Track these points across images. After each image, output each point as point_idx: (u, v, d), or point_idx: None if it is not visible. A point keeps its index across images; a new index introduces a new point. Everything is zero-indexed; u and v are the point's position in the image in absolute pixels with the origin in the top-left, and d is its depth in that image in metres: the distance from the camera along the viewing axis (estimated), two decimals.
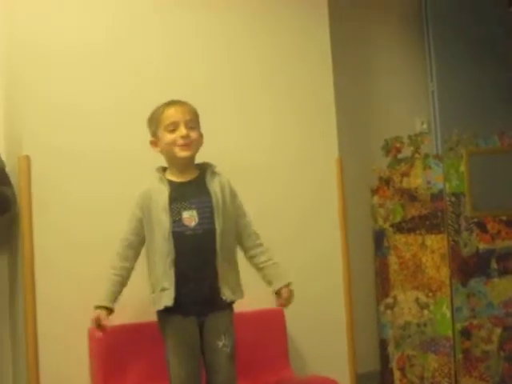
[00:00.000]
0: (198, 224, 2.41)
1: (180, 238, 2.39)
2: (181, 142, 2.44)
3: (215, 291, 2.42)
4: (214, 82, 3.21)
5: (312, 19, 3.54)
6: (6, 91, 2.77)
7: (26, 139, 2.78)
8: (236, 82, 3.30)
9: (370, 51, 4.20)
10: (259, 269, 2.58)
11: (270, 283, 2.56)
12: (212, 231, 2.41)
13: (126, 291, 2.88)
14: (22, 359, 2.66)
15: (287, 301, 2.56)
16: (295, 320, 3.21)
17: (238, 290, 2.51)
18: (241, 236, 2.57)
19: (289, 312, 3.17)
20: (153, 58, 3.10)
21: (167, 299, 2.38)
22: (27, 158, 2.74)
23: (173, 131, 2.45)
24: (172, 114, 2.47)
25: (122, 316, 2.85)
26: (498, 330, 3.66)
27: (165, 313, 2.42)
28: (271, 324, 3.14)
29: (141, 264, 2.85)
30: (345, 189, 3.53)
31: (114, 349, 2.77)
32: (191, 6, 3.22)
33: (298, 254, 3.34)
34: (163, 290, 2.40)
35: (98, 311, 2.44)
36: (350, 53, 4.02)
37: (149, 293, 2.49)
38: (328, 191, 3.47)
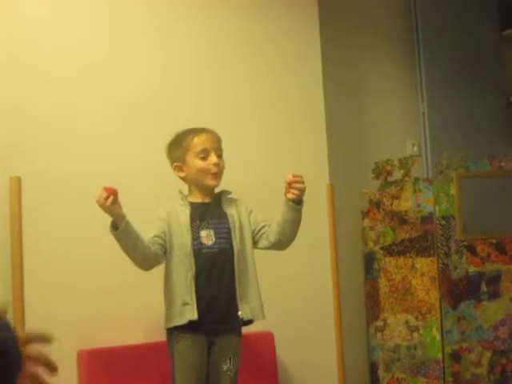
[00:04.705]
0: (215, 243, 2.49)
1: (197, 255, 2.46)
2: (214, 170, 2.51)
3: (232, 310, 2.47)
4: (204, 105, 3.23)
5: (303, 42, 3.57)
6: None
7: (16, 160, 2.79)
8: (227, 105, 3.32)
9: (361, 73, 4.22)
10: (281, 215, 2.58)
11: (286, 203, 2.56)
12: (229, 250, 2.49)
13: (114, 313, 2.89)
14: None
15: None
16: (285, 343, 3.22)
17: (259, 310, 2.53)
18: (257, 228, 2.60)
19: (278, 335, 3.18)
20: (145, 83, 3.13)
21: (191, 313, 2.41)
22: (18, 179, 2.75)
23: (204, 158, 2.51)
24: (203, 141, 2.53)
25: (114, 338, 2.85)
26: (488, 354, 3.65)
27: (176, 330, 2.45)
28: (261, 347, 3.14)
29: (125, 291, 2.86)
30: (335, 212, 3.54)
31: (103, 372, 2.76)
32: (184, 29, 3.26)
33: (287, 276, 3.34)
34: (185, 304, 2.43)
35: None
36: (341, 76, 4.03)
37: (163, 310, 2.50)
38: (319, 215, 3.47)
